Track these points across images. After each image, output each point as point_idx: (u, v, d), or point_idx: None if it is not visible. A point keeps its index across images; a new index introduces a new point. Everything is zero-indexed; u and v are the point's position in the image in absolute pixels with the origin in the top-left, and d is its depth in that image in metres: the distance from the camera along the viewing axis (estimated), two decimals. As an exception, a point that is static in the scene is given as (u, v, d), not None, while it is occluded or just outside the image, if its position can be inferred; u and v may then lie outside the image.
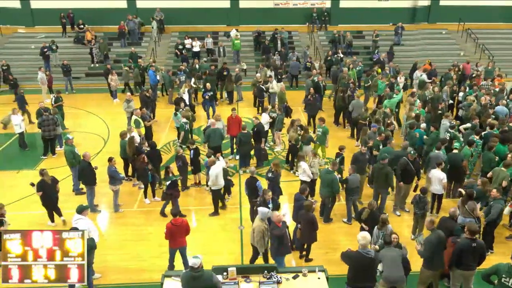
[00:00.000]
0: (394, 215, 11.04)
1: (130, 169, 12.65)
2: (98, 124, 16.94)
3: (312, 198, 11.04)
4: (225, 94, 19.34)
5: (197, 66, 20.06)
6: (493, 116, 13.40)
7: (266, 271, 7.30)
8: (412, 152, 10.91)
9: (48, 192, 10.24)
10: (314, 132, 14.74)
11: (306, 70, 20.93)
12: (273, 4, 25.89)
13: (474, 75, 18.47)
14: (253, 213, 10.19)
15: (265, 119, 14.20)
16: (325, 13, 25.66)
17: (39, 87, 18.84)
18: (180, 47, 22.54)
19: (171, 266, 8.89)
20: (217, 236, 10.41)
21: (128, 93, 16.63)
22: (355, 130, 15.18)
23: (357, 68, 19.78)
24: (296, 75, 21.21)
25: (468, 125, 13.14)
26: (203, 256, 6.67)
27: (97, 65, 22.46)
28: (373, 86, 17.61)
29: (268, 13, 25.68)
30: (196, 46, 22.61)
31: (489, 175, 10.78)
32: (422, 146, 12.64)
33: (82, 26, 23.95)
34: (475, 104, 14.48)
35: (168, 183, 10.73)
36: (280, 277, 7.24)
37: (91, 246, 8.06)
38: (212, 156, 11.18)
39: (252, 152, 13.44)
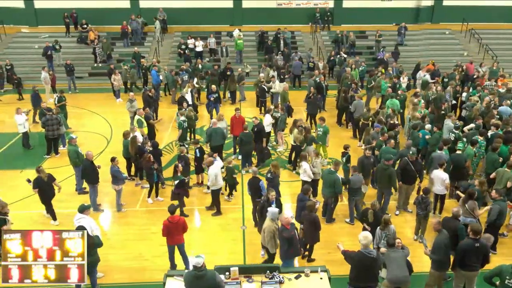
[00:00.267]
0: (394, 215, 10.99)
1: (132, 169, 12.69)
2: (101, 124, 16.98)
3: (315, 199, 11.03)
4: (228, 94, 19.37)
5: (200, 66, 20.09)
6: (497, 117, 13.34)
7: (268, 271, 7.29)
8: (411, 152, 10.88)
9: (44, 189, 10.29)
10: (314, 131, 14.71)
11: (309, 70, 20.92)
12: (276, 4, 25.84)
13: (475, 76, 18.36)
14: (256, 213, 10.18)
15: (267, 120, 14.13)
16: (328, 13, 25.59)
17: (43, 87, 18.89)
18: (183, 47, 22.57)
19: (173, 265, 8.90)
20: (219, 236, 10.41)
21: (131, 93, 16.67)
22: (357, 131, 15.17)
23: (360, 68, 19.75)
24: (298, 75, 21.16)
25: (472, 125, 13.06)
26: (205, 256, 6.65)
27: (100, 64, 22.50)
28: (377, 86, 17.58)
29: (271, 13, 25.63)
30: (199, 46, 22.62)
31: (492, 176, 10.71)
32: (426, 147, 12.59)
33: (85, 26, 23.99)
34: (478, 104, 14.42)
35: (176, 182, 10.72)
36: (283, 277, 7.23)
37: (97, 243, 8.08)
38: (210, 156, 11.20)
39: (254, 152, 13.43)
